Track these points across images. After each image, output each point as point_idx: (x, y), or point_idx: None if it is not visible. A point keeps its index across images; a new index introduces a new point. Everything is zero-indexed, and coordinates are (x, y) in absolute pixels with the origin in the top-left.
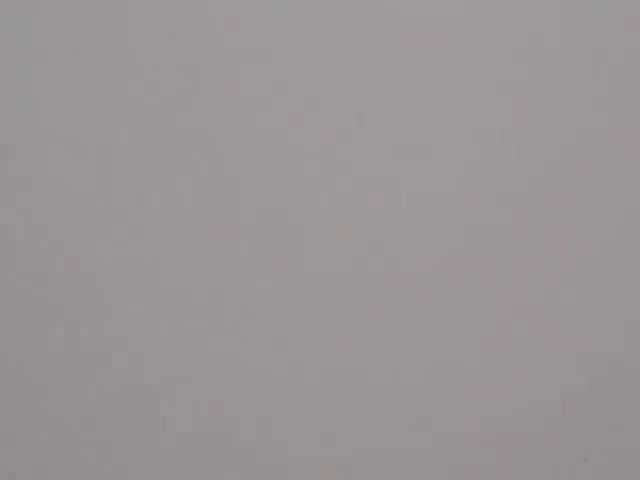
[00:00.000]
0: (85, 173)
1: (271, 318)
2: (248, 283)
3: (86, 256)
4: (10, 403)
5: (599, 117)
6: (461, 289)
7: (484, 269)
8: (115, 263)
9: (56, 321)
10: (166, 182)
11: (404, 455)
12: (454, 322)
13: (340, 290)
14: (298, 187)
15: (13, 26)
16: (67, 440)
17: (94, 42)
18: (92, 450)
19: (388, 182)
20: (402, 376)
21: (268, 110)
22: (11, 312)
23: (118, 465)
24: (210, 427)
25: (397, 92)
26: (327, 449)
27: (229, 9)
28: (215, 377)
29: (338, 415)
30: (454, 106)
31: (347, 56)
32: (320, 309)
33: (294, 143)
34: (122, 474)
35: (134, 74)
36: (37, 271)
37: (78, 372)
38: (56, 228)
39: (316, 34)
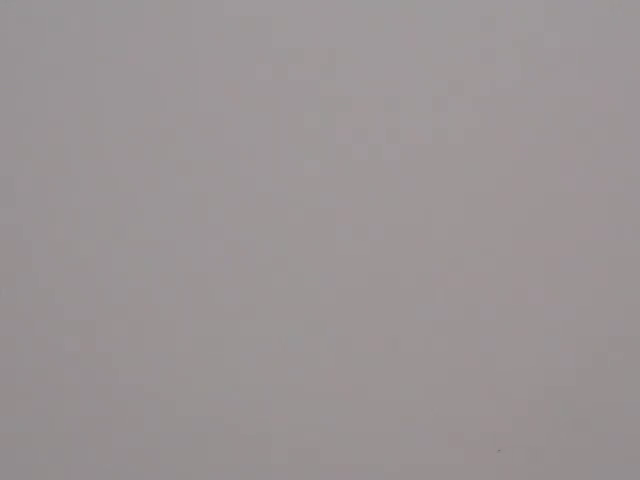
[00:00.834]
0: (85, 172)
1: (271, 318)
2: (248, 277)
3: (86, 254)
4: (10, 403)
5: (599, 116)
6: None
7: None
8: (115, 262)
9: (55, 321)
10: (166, 181)
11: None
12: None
13: (339, 287)
14: (298, 183)
15: (13, 26)
16: (66, 440)
17: (94, 41)
18: (91, 450)
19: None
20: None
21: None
22: (11, 312)
23: (118, 465)
24: (211, 426)
25: (397, 92)
26: (328, 447)
27: (230, 8)
28: (216, 379)
29: (338, 414)
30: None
31: (352, 53)
32: (321, 304)
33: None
34: (121, 474)
35: (134, 71)
36: (37, 271)
37: (77, 372)
38: (56, 228)
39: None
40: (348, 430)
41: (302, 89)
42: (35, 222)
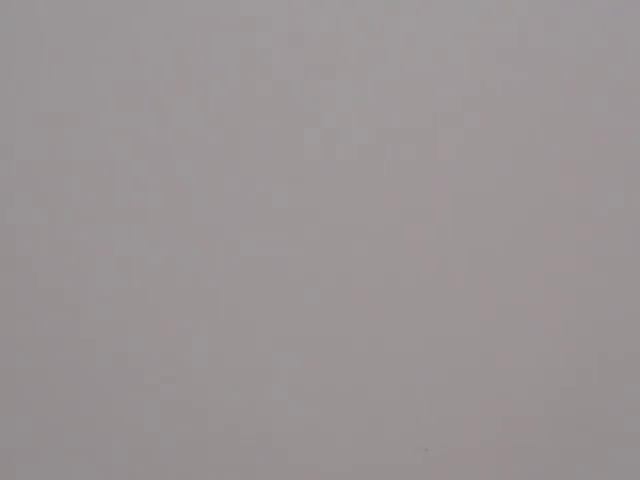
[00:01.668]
0: (84, 170)
1: (270, 317)
2: (248, 274)
3: (85, 252)
4: (9, 403)
5: (599, 117)
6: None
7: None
8: (115, 262)
9: (56, 320)
10: (165, 180)
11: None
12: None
13: (340, 284)
14: (298, 182)
15: (13, 26)
16: (66, 440)
17: (94, 41)
18: (91, 450)
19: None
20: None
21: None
22: (11, 312)
23: (118, 465)
24: (211, 427)
25: (397, 93)
26: (330, 444)
27: (229, 9)
28: (216, 381)
29: (339, 413)
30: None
31: (350, 53)
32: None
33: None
34: (122, 474)
35: (134, 71)
36: (37, 271)
37: (78, 372)
38: (56, 228)
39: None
40: (348, 430)
41: (302, 89)
42: (35, 222)
